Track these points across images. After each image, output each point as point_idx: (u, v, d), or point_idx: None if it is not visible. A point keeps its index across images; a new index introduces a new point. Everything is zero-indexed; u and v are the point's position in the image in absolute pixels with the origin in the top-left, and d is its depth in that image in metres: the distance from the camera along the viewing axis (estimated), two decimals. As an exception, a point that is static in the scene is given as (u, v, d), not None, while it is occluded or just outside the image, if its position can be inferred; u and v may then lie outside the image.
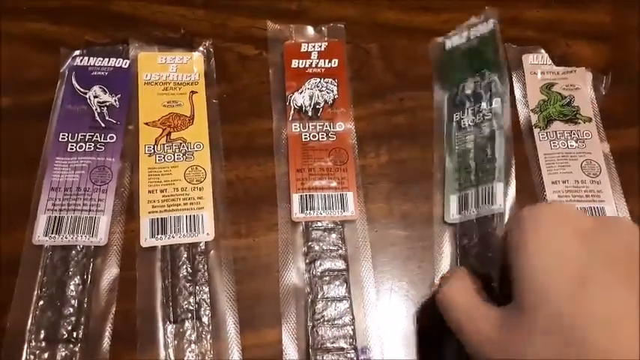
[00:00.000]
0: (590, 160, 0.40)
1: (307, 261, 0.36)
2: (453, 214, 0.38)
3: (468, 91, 0.40)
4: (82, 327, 0.33)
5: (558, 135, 0.41)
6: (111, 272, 0.35)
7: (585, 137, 0.41)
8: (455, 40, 0.43)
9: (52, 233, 0.35)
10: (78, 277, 0.34)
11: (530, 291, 0.24)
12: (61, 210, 0.36)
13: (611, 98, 0.43)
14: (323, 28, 0.43)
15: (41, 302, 0.33)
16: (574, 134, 0.41)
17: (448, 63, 0.43)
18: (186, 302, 0.34)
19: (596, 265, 0.24)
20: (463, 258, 0.36)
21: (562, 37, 0.46)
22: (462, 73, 0.42)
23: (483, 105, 0.39)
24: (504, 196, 0.36)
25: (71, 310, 0.33)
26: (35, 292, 0.34)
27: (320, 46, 0.42)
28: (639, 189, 0.40)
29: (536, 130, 0.41)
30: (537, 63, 0.43)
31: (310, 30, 0.43)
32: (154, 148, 0.38)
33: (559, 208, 0.27)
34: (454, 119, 0.40)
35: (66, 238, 0.35)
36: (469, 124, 0.39)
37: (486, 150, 0.38)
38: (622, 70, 0.45)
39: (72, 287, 0.34)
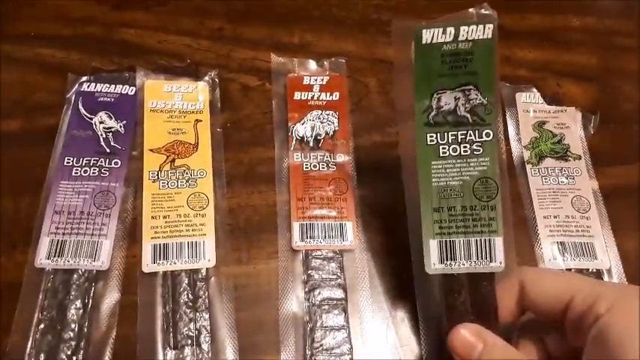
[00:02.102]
0: (580, 196, 0.41)
1: (307, 289, 0.36)
2: (435, 263, 0.32)
3: (445, 108, 0.32)
4: (82, 351, 0.33)
5: (550, 171, 0.42)
6: (112, 297, 0.35)
7: (575, 174, 0.42)
8: (436, 34, 0.32)
9: (54, 256, 0.35)
10: (79, 301, 0.34)
11: None
12: (64, 233, 0.36)
13: (599, 137, 0.45)
14: (325, 62, 0.45)
15: (42, 325, 0.33)
16: (564, 171, 0.42)
17: (421, 61, 0.32)
18: (186, 328, 0.34)
19: None
20: (452, 315, 0.32)
21: (553, 77, 0.48)
22: (439, 80, 0.32)
23: (471, 135, 0.32)
24: (504, 251, 0.32)
25: (71, 334, 0.33)
26: (36, 315, 0.34)
27: (322, 80, 0.44)
28: (627, 225, 0.41)
29: (528, 166, 0.43)
30: (530, 101, 0.45)
31: (312, 64, 0.45)
32: (157, 175, 0.39)
33: None
34: (428, 141, 0.33)
35: (68, 261, 0.35)
36: (451, 153, 0.33)
37: (480, 194, 0.32)
38: (609, 110, 0.47)
39: (73, 311, 0.34)
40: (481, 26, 0.32)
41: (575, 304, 0.28)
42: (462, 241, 0.32)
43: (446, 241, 0.32)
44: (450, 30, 0.32)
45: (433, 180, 0.33)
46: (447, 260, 0.32)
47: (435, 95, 0.32)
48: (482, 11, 0.32)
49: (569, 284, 0.29)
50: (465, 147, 0.32)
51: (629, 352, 0.25)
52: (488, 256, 0.32)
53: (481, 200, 0.32)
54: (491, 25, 0.32)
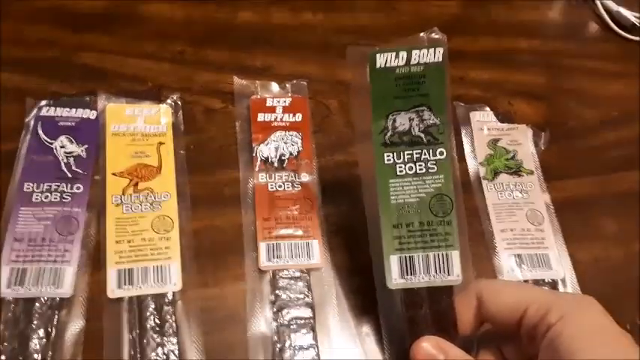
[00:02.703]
0: (534, 209, 0.43)
1: (275, 309, 0.37)
2: (396, 278, 0.33)
3: (400, 128, 0.34)
4: (46, 382, 0.32)
5: (504, 186, 0.44)
6: (76, 324, 0.34)
7: (529, 188, 0.44)
8: (389, 58, 0.33)
9: (15, 285, 0.34)
10: (42, 330, 0.34)
11: None
12: (24, 261, 0.35)
13: (549, 153, 0.48)
14: (287, 85, 0.46)
15: (2, 357, 0.32)
16: (518, 186, 0.44)
17: (376, 84, 0.34)
18: (154, 354, 0.34)
19: None
20: (413, 328, 0.33)
21: (504, 96, 0.50)
22: (394, 102, 0.34)
23: (425, 154, 0.34)
24: (460, 265, 0.33)
25: (34, 364, 0.33)
26: (-4, 347, 0.33)
27: (285, 101, 0.45)
28: (578, 236, 0.43)
29: (484, 182, 0.44)
30: (483, 120, 0.47)
31: (275, 86, 0.46)
32: (121, 199, 0.39)
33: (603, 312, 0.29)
34: (385, 160, 0.34)
35: (30, 290, 0.35)
36: (407, 172, 0.34)
37: (436, 210, 0.33)
38: (557, 127, 0.49)
39: (35, 341, 0.33)
40: (432, 50, 0.33)
41: (529, 315, 0.29)
42: (420, 256, 0.33)
43: (405, 256, 0.33)
44: (403, 54, 0.33)
45: (391, 198, 0.34)
46: (407, 275, 0.33)
47: (390, 116, 0.34)
48: (433, 35, 0.34)
49: (524, 295, 0.31)
50: (420, 165, 0.34)
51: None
52: (446, 269, 0.33)
53: (437, 216, 0.33)
54: (441, 49, 0.33)
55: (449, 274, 0.33)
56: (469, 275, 0.33)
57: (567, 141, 0.49)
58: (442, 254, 0.33)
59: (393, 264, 0.33)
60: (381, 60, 0.33)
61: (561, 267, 0.41)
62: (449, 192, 0.33)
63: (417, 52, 0.33)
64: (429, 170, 0.34)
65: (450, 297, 0.33)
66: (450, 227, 0.33)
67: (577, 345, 0.27)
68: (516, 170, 0.45)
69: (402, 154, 0.34)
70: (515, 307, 0.30)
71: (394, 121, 0.34)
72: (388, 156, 0.34)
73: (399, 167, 0.34)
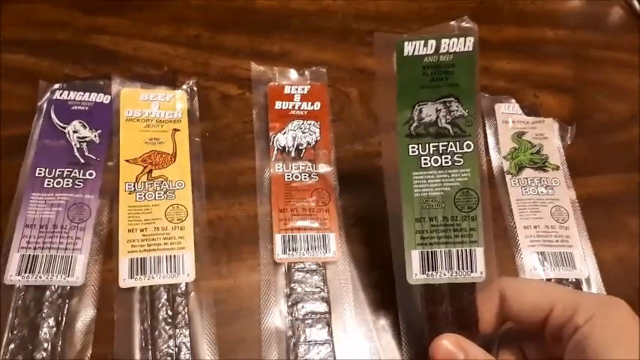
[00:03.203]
0: (559, 206, 0.42)
1: (289, 303, 0.36)
2: (416, 274, 0.32)
3: (426, 119, 0.33)
4: (56, 372, 0.32)
5: (529, 182, 0.43)
6: (87, 314, 0.34)
7: (554, 184, 0.43)
8: (418, 46, 0.32)
9: (25, 272, 0.34)
10: (52, 318, 0.33)
11: None
12: (35, 248, 0.35)
13: (576, 148, 0.46)
14: (306, 72, 0.45)
15: (12, 346, 0.32)
16: (543, 181, 0.43)
17: (403, 73, 0.32)
18: (165, 345, 0.33)
19: None
20: (433, 325, 0.32)
21: (530, 88, 0.48)
22: (420, 92, 0.33)
23: (452, 147, 0.33)
24: (484, 262, 0.32)
25: (44, 354, 0.32)
26: (6, 335, 0.32)
27: (303, 89, 0.43)
28: (603, 234, 0.42)
29: (508, 177, 0.43)
30: (509, 112, 0.46)
31: (293, 73, 0.44)
32: (134, 186, 0.38)
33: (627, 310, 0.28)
34: (409, 152, 0.33)
35: (40, 277, 0.34)
36: (432, 164, 0.33)
37: (461, 204, 0.32)
38: (584, 121, 0.48)
39: (45, 330, 0.32)
40: (462, 39, 0.32)
41: (555, 315, 0.28)
42: (443, 252, 0.32)
43: (427, 251, 0.32)
44: (432, 42, 0.32)
45: (415, 191, 0.33)
46: (428, 271, 0.32)
47: (416, 107, 0.33)
48: (463, 24, 0.32)
49: (549, 294, 0.30)
50: (446, 158, 0.33)
51: None
52: (469, 266, 0.32)
53: (462, 211, 0.32)
54: (472, 38, 0.32)
55: (472, 271, 0.32)
56: (492, 273, 0.32)
57: (594, 136, 0.47)
58: (466, 250, 0.32)
59: (414, 259, 0.32)
60: (409, 48, 0.32)
61: (586, 266, 0.40)
62: (475, 186, 0.32)
63: (446, 40, 0.32)
64: (455, 163, 0.33)
65: (471, 294, 0.32)
66: (475, 223, 0.32)
67: (606, 348, 0.26)
68: (541, 165, 0.44)
69: (427, 145, 0.33)
70: (539, 306, 0.29)
71: (420, 111, 0.33)
72: (413, 147, 0.33)
73: (424, 159, 0.33)
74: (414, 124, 0.33)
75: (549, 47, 0.52)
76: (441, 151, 0.33)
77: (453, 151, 0.33)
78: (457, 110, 0.33)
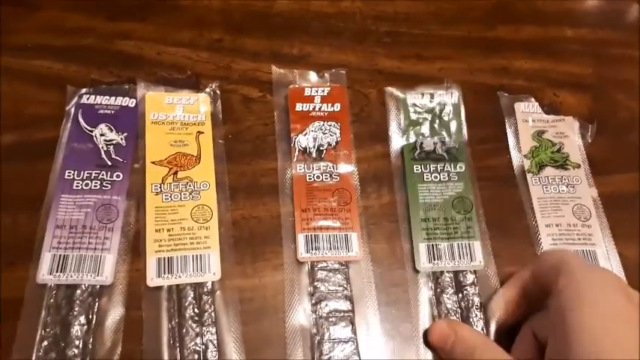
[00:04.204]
0: (581, 204, 0.42)
1: (313, 301, 0.36)
2: (424, 262, 0.38)
3: (427, 149, 0.42)
4: (87, 369, 0.32)
5: (550, 180, 0.43)
6: (116, 312, 0.35)
7: (575, 182, 0.43)
8: (416, 98, 0.45)
9: (56, 272, 0.35)
10: (83, 316, 0.34)
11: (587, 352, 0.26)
12: (66, 248, 0.36)
13: (597, 146, 0.46)
14: (325, 74, 0.45)
15: (45, 343, 0.33)
16: (564, 179, 0.43)
17: (408, 116, 0.44)
18: (192, 343, 0.34)
19: None
20: (439, 308, 0.37)
21: (549, 87, 0.48)
22: (421, 129, 0.44)
23: (448, 167, 0.42)
24: (482, 253, 0.39)
25: (76, 350, 0.33)
26: (39, 332, 0.33)
27: (323, 91, 0.44)
28: (627, 232, 0.42)
29: (529, 175, 0.43)
30: (528, 111, 0.46)
31: (313, 75, 0.45)
32: (160, 187, 0.38)
33: (612, 276, 0.30)
34: (414, 170, 0.41)
35: (71, 276, 0.35)
36: (432, 180, 0.41)
37: (458, 208, 0.40)
38: (605, 119, 0.47)
39: (77, 327, 0.33)
40: (450, 92, 0.46)
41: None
42: (445, 245, 0.39)
43: (432, 244, 0.39)
44: (427, 96, 0.45)
45: (420, 197, 0.41)
46: (434, 260, 0.38)
47: (418, 140, 0.43)
48: (451, 83, 0.46)
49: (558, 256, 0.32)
50: (443, 175, 0.42)
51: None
52: (469, 256, 0.39)
53: (459, 213, 0.40)
54: (457, 92, 0.46)
55: (472, 260, 0.39)
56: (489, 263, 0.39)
57: (615, 134, 0.47)
58: (465, 244, 0.39)
59: (422, 251, 0.39)
60: (411, 99, 0.45)
61: (609, 264, 0.40)
62: (468, 195, 0.41)
63: (438, 92, 0.45)
64: (451, 179, 0.42)
65: (473, 287, 0.37)
66: (472, 222, 0.40)
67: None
68: (562, 163, 0.44)
69: (428, 165, 0.42)
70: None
71: (422, 144, 0.43)
72: (417, 167, 0.42)
73: (426, 175, 0.42)
74: (417, 152, 0.42)
75: (568, 46, 0.52)
76: (439, 170, 0.42)
77: (449, 171, 0.42)
78: (449, 143, 0.43)
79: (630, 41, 0.54)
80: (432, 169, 0.42)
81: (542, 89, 0.48)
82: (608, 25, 0.54)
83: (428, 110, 0.44)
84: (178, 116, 0.41)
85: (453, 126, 0.44)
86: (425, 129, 0.44)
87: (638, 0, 0.56)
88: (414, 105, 0.44)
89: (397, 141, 0.43)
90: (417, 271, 0.38)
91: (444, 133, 0.43)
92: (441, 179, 0.41)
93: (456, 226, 0.39)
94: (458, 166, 0.42)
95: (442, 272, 0.38)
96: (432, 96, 0.45)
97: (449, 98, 0.45)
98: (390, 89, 0.45)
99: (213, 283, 0.36)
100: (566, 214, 0.41)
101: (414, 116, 0.44)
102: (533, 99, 0.47)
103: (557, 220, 0.41)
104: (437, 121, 0.44)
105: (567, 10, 0.55)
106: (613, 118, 0.48)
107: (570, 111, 0.47)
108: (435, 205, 0.40)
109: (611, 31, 0.53)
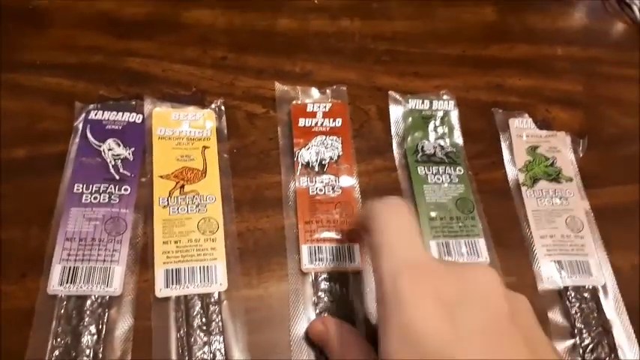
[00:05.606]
0: (574, 216, 0.43)
1: (317, 311, 0.37)
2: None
3: (427, 152, 0.45)
4: (98, 378, 0.33)
5: (544, 193, 0.44)
6: (126, 322, 0.35)
7: (568, 195, 0.44)
8: (416, 103, 0.48)
9: (67, 283, 0.35)
10: (93, 326, 0.34)
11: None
12: (75, 260, 0.36)
13: (588, 160, 0.47)
14: (327, 90, 0.47)
15: (56, 352, 0.33)
16: (558, 192, 0.44)
17: (410, 121, 0.47)
18: (201, 352, 0.35)
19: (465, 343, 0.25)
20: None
21: (542, 103, 0.50)
22: (422, 134, 0.46)
23: (448, 170, 0.44)
24: (487, 249, 0.41)
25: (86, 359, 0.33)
26: (50, 342, 0.34)
27: (324, 107, 0.45)
28: (618, 243, 0.43)
29: (523, 188, 0.45)
30: (522, 127, 0.48)
31: (315, 91, 0.47)
32: (167, 201, 0.40)
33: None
34: (419, 172, 0.44)
35: (81, 287, 0.36)
36: (436, 181, 0.43)
37: (461, 208, 0.43)
38: (595, 134, 0.49)
39: (87, 337, 0.34)
40: (446, 100, 0.49)
41: None
42: (453, 242, 0.41)
43: (443, 242, 0.41)
44: (427, 102, 0.48)
45: (426, 197, 0.43)
46: (445, 256, 0.41)
47: (419, 144, 0.46)
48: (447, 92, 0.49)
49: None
50: (445, 177, 0.44)
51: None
52: (475, 252, 0.41)
53: (463, 212, 0.43)
54: (452, 101, 0.48)
55: (478, 257, 0.41)
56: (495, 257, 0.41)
57: (605, 148, 0.49)
58: (470, 241, 0.42)
59: (433, 248, 0.41)
60: (410, 104, 0.48)
61: (602, 274, 0.41)
62: (469, 196, 0.44)
63: (436, 101, 0.48)
64: (452, 181, 0.44)
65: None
66: (475, 221, 0.43)
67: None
68: (555, 177, 0.45)
69: (430, 168, 0.45)
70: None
71: (423, 147, 0.46)
72: (421, 169, 0.44)
73: (430, 177, 0.44)
74: (419, 155, 0.45)
75: (559, 64, 0.54)
76: (440, 173, 0.44)
77: (449, 173, 0.44)
78: (448, 147, 0.46)
79: (619, 59, 0.56)
80: (434, 171, 0.44)
81: (535, 105, 0.50)
82: (597, 44, 0.56)
83: (427, 116, 0.47)
84: (184, 132, 0.43)
85: (450, 131, 0.47)
86: (424, 134, 0.46)
87: (624, 19, 0.58)
88: (415, 109, 0.47)
89: (399, 144, 0.46)
90: None
91: (441, 140, 0.46)
92: (443, 181, 0.44)
93: (462, 225, 0.42)
94: (457, 169, 0.44)
95: None
96: (431, 102, 0.48)
97: (446, 106, 0.48)
98: (392, 93, 0.48)
99: (220, 293, 0.37)
100: (559, 225, 0.43)
101: (414, 120, 0.47)
102: (526, 115, 0.48)
103: (551, 231, 0.43)
104: (435, 126, 0.46)
105: (558, 29, 0.57)
106: (603, 133, 0.50)
107: (562, 126, 0.49)
108: (442, 204, 0.43)
109: (600, 49, 0.56)
